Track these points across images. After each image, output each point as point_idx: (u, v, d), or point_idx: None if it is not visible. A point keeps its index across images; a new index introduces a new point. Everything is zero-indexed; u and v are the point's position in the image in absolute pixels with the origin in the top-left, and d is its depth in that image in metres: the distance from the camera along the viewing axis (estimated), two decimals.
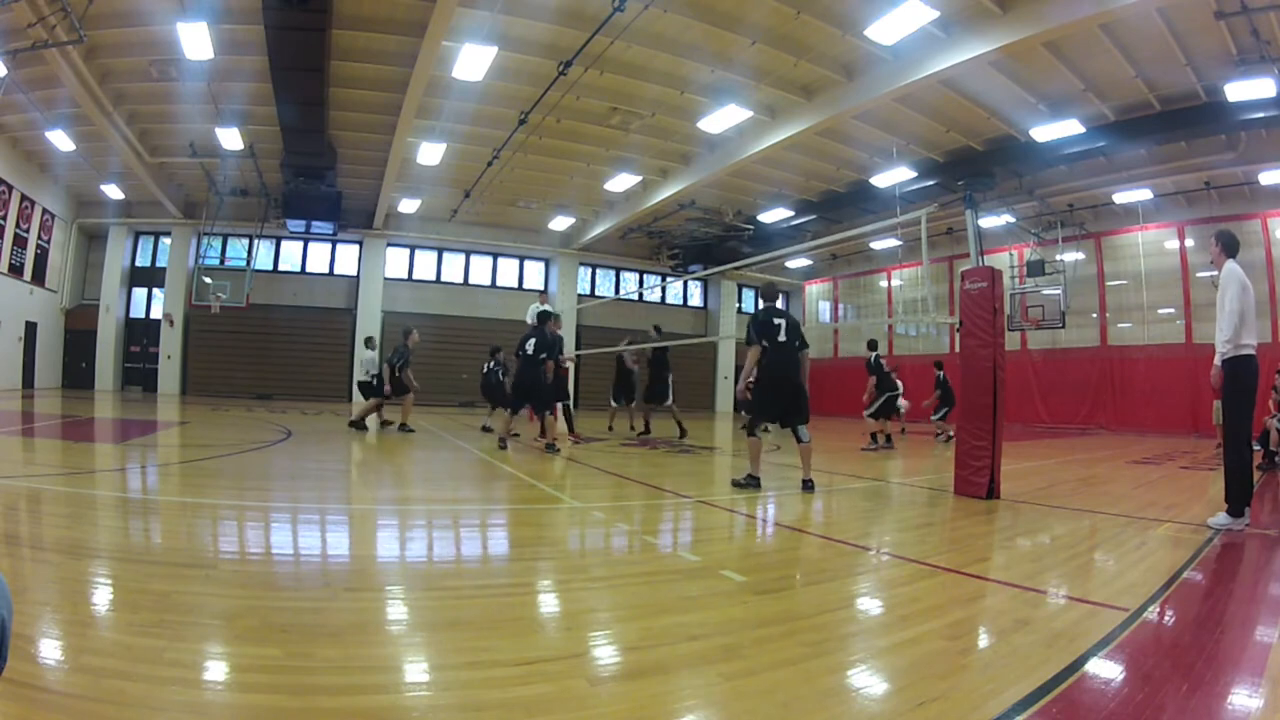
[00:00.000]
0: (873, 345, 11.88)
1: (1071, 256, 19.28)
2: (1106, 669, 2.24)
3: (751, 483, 6.15)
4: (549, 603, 2.99)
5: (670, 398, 12.07)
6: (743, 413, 13.20)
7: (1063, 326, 18.83)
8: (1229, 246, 4.92)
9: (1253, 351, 4.67)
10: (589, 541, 4.25)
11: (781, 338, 6.12)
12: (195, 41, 11.24)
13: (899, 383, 11.78)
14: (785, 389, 6.12)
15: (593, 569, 3.55)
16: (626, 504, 5.51)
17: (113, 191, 19.94)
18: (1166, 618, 2.80)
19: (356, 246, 22.91)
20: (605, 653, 2.35)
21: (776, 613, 2.84)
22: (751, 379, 6.25)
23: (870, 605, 3.05)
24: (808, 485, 6.10)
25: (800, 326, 6.31)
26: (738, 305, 28.04)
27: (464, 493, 5.91)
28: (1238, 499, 4.63)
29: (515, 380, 9.30)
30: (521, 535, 4.44)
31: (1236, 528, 4.61)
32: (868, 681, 2.16)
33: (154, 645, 2.08)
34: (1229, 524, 4.62)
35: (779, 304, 6.49)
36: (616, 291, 26.46)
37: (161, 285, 21.69)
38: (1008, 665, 2.24)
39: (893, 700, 2.02)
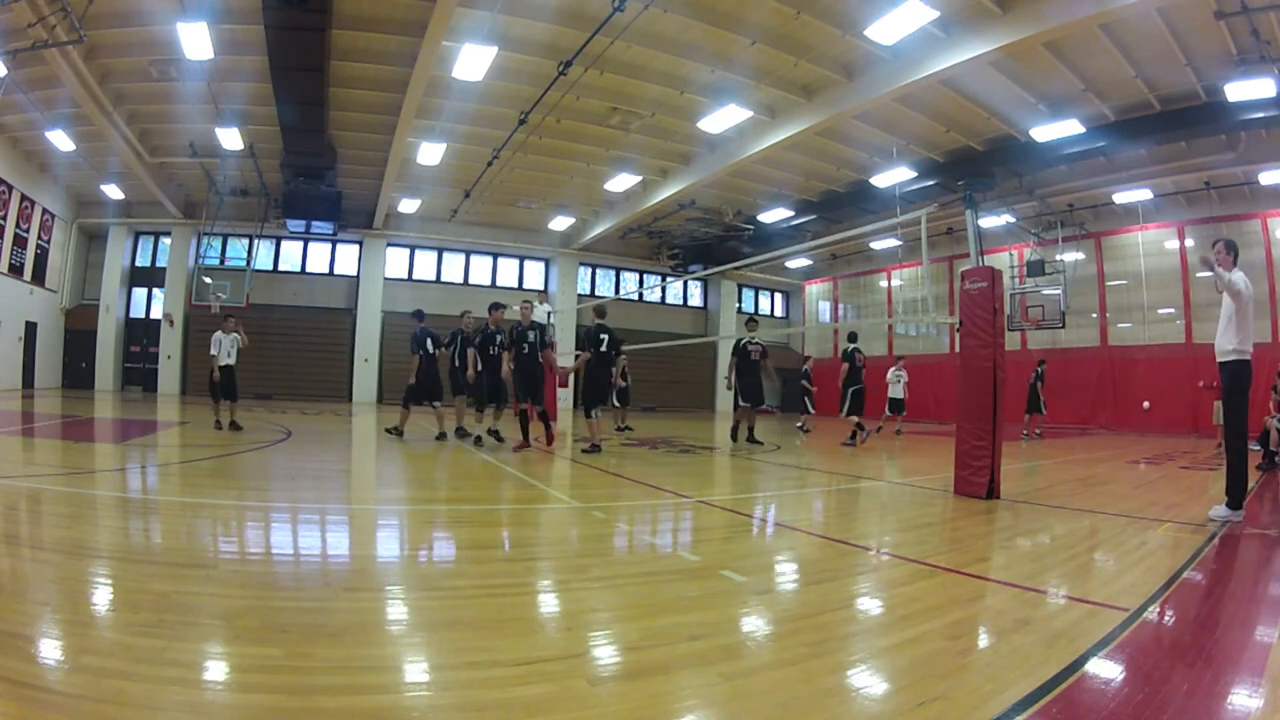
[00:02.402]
0: (852, 337, 12.09)
1: (1071, 256, 19.29)
2: (1106, 669, 2.24)
3: (595, 450, 8.42)
4: (549, 603, 2.99)
5: (764, 399, 11.04)
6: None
7: (1063, 326, 18.83)
8: (1236, 255, 5.09)
9: (1250, 355, 4.94)
10: (588, 541, 4.25)
11: (603, 349, 9.01)
12: (195, 41, 11.24)
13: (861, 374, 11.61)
14: (600, 383, 9.20)
15: (592, 569, 3.55)
16: (626, 504, 5.51)
17: (113, 191, 19.94)
18: (1167, 618, 2.81)
19: (356, 246, 22.91)
20: (605, 653, 2.35)
21: (776, 613, 2.84)
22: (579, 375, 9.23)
23: (870, 605, 3.05)
24: (595, 449, 8.52)
25: (620, 340, 9.27)
26: (738, 305, 28.05)
27: (464, 493, 5.92)
28: (1237, 493, 4.85)
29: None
30: (521, 535, 4.44)
31: (1235, 519, 4.82)
32: (868, 681, 2.16)
33: (154, 645, 2.08)
34: (1229, 516, 4.83)
35: (605, 321, 9.21)
36: (616, 291, 26.46)
37: (161, 285, 21.67)
38: (1008, 665, 2.24)
39: (893, 700, 2.02)
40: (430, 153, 16.27)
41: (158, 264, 22.14)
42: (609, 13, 10.03)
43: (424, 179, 18.67)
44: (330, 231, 21.32)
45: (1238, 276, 4.93)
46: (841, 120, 13.74)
